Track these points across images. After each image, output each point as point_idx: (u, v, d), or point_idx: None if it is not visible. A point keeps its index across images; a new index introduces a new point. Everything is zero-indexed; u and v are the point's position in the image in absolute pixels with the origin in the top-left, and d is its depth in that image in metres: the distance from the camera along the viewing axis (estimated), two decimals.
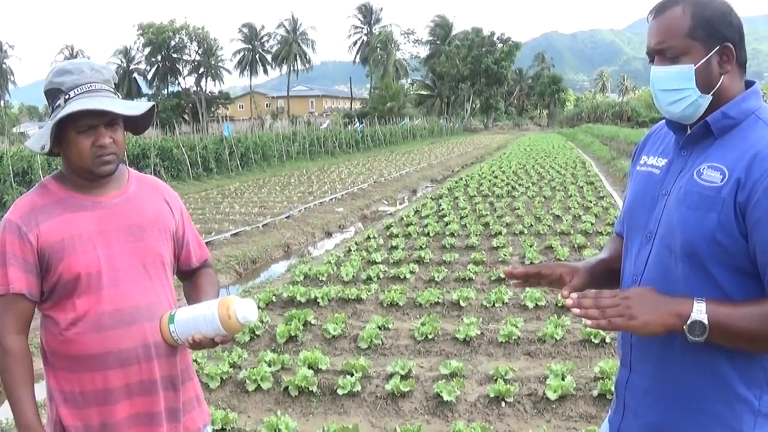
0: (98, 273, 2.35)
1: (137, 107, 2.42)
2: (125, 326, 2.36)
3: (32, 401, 2.36)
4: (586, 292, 1.95)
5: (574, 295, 1.95)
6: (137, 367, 2.38)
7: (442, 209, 16.36)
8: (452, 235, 12.82)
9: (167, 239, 2.56)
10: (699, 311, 1.79)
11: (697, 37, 1.91)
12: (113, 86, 2.42)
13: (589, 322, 1.87)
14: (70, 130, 2.31)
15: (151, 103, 2.50)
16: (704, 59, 1.92)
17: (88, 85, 2.33)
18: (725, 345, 1.84)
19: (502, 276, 9.19)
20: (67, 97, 2.31)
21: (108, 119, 2.34)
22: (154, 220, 2.52)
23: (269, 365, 6.20)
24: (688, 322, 1.79)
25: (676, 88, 1.95)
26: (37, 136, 2.42)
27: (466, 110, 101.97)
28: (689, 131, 2.02)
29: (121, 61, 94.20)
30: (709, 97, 1.94)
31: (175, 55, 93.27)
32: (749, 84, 2.01)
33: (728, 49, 1.92)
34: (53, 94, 2.35)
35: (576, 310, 1.89)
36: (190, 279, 2.76)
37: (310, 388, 5.81)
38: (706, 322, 1.78)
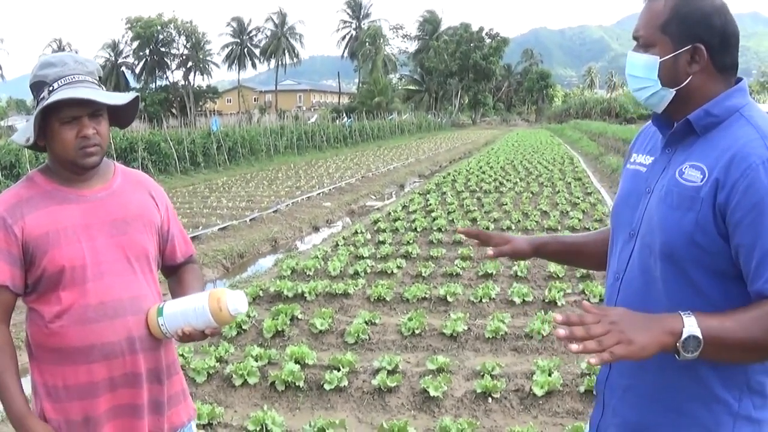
0: (82, 266, 2.35)
1: (120, 97, 2.42)
2: (109, 319, 2.36)
3: (20, 389, 2.35)
4: (570, 319, 1.72)
5: (561, 332, 1.72)
6: (121, 360, 2.38)
7: (430, 204, 16.36)
8: (440, 230, 12.83)
9: (152, 233, 2.56)
10: (691, 325, 1.69)
11: (669, 32, 1.91)
12: (97, 79, 2.42)
13: (593, 360, 1.67)
14: (53, 121, 2.31)
15: (134, 93, 2.50)
16: (671, 55, 1.91)
17: (72, 76, 2.32)
18: (718, 359, 1.77)
19: (490, 272, 9.22)
20: (50, 89, 2.30)
21: (91, 110, 2.33)
22: (139, 214, 2.51)
23: (256, 360, 6.19)
24: (682, 338, 1.68)
25: (640, 75, 1.98)
26: (22, 129, 2.43)
27: (454, 105, 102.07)
28: (673, 129, 2.00)
29: (110, 55, 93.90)
30: (672, 92, 1.94)
31: (163, 49, 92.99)
32: (738, 81, 1.98)
33: (699, 51, 1.89)
34: (38, 86, 2.35)
35: (573, 347, 1.69)
36: (175, 274, 2.76)
37: (297, 383, 5.80)
38: (700, 335, 1.68)
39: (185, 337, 2.36)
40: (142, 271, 2.49)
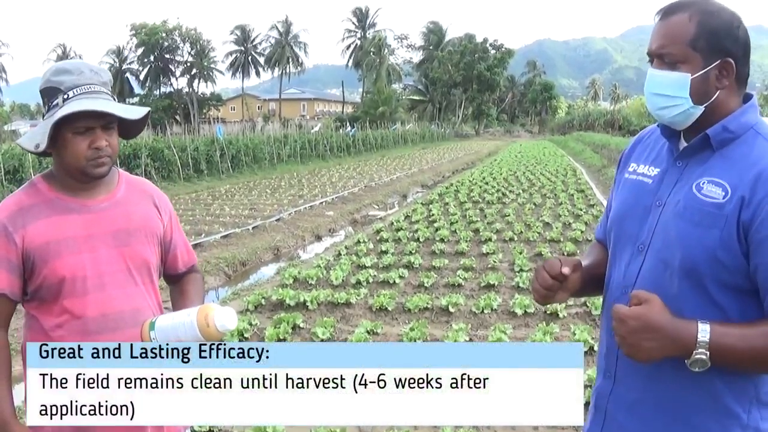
0: (83, 277, 2.34)
1: (135, 111, 2.41)
2: (110, 332, 2.35)
3: (8, 394, 2.33)
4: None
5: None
6: None
7: (433, 215, 16.37)
8: (442, 240, 12.84)
9: (154, 244, 2.55)
10: (702, 347, 1.74)
11: (699, 47, 1.87)
12: (110, 89, 2.41)
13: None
14: (66, 130, 2.29)
15: (146, 108, 2.49)
16: (702, 71, 1.88)
17: (88, 86, 2.31)
18: (728, 368, 1.80)
19: (492, 283, 9.21)
20: (65, 96, 2.28)
21: (105, 122, 2.32)
22: (142, 225, 2.50)
23: None
24: (690, 360, 1.77)
25: (669, 94, 1.91)
26: (31, 134, 2.39)
27: (458, 116, 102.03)
28: (684, 141, 1.99)
29: (114, 61, 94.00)
30: (701, 109, 1.90)
31: (167, 56, 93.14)
32: (747, 97, 1.97)
33: (728, 65, 1.88)
34: (50, 92, 2.33)
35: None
36: (177, 284, 2.74)
37: None
38: (707, 358, 1.75)
39: None
40: (143, 282, 2.48)
